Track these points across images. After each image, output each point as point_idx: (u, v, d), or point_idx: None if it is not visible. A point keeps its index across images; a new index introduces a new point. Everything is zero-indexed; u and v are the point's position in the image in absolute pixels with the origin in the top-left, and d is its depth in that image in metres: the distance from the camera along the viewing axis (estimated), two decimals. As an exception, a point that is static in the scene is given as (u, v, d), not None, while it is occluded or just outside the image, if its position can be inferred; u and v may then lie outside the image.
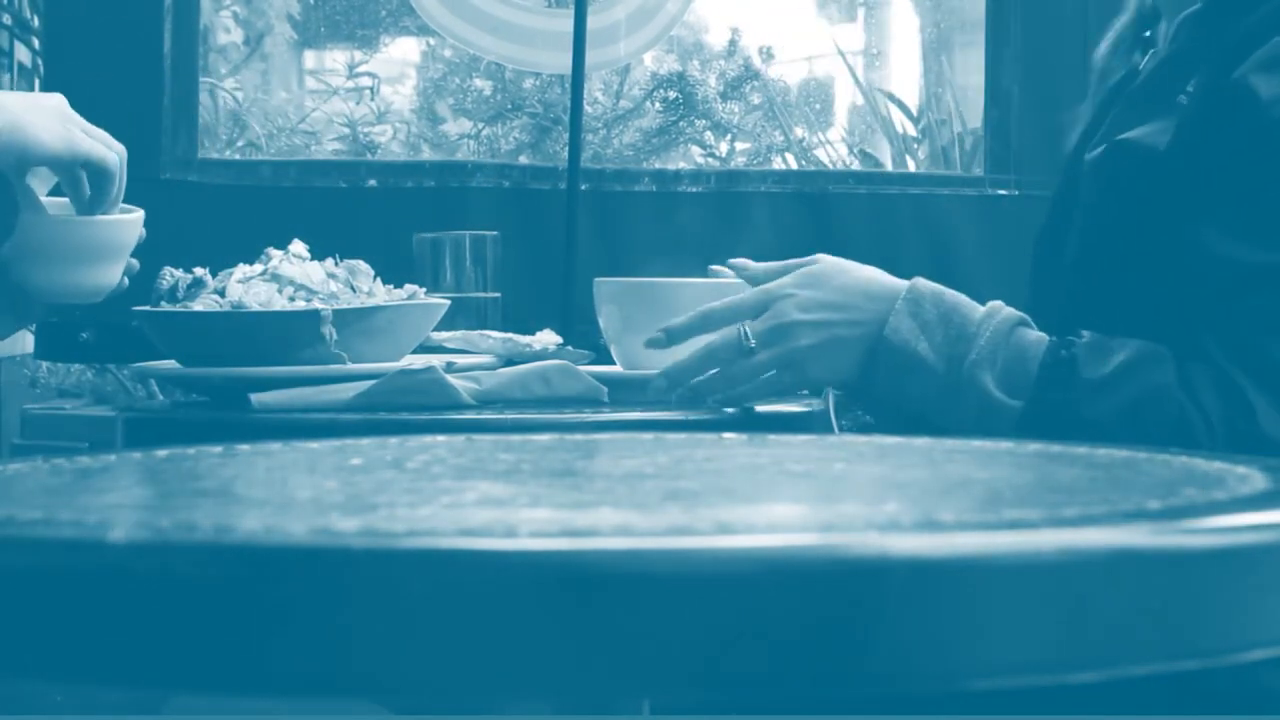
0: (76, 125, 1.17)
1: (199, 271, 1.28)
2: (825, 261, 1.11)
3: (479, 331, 1.37)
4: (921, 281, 1.09)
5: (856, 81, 3.21)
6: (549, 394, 1.23)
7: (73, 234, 1.18)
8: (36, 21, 2.59)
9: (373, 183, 2.12)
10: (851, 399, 1.19)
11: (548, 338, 1.35)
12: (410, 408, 1.15)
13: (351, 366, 1.19)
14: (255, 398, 1.16)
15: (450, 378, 1.17)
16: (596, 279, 1.41)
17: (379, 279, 1.32)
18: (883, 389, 1.08)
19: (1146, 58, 1.17)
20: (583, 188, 2.07)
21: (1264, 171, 0.99)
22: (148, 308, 1.27)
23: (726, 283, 1.22)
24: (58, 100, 1.19)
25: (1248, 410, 0.99)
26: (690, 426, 1.11)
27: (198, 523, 0.48)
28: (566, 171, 1.87)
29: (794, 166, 2.97)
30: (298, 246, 1.31)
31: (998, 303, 1.08)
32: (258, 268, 1.27)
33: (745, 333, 1.11)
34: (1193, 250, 1.01)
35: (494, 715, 0.47)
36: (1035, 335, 1.06)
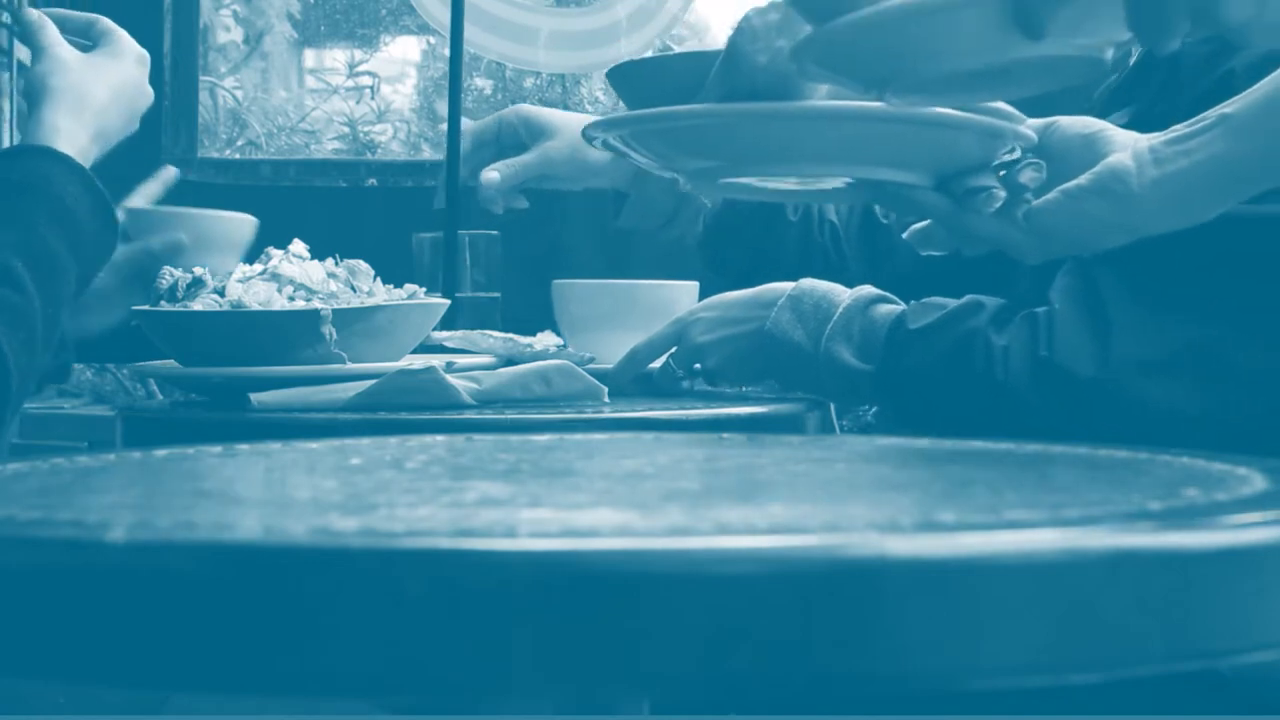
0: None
1: (198, 271, 1.28)
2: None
3: (479, 331, 1.37)
4: (809, 281, 1.17)
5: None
6: (549, 394, 1.23)
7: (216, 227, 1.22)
8: (36, 20, 2.58)
9: (373, 182, 2.13)
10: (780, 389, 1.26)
11: (548, 339, 1.36)
12: (410, 408, 1.15)
13: (351, 366, 1.19)
14: (255, 397, 1.16)
15: (450, 378, 1.17)
16: (554, 281, 1.45)
17: (379, 279, 1.32)
18: (779, 378, 1.20)
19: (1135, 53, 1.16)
20: (582, 187, 2.07)
21: None
22: (147, 307, 1.27)
23: (674, 285, 1.28)
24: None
25: (1051, 342, 1.03)
26: (691, 427, 1.11)
27: (197, 523, 0.48)
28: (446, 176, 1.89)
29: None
30: (297, 246, 1.31)
31: (865, 286, 1.16)
32: (257, 267, 1.27)
33: (669, 364, 1.25)
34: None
35: (494, 715, 0.47)
36: (889, 307, 1.14)
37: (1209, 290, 1.01)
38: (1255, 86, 0.85)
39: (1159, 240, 0.91)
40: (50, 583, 0.43)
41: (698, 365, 1.25)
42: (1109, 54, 0.79)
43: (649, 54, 2.78)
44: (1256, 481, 0.56)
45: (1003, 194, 0.92)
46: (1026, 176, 0.92)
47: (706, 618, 0.40)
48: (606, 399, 1.22)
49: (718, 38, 3.20)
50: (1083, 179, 0.90)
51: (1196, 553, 0.45)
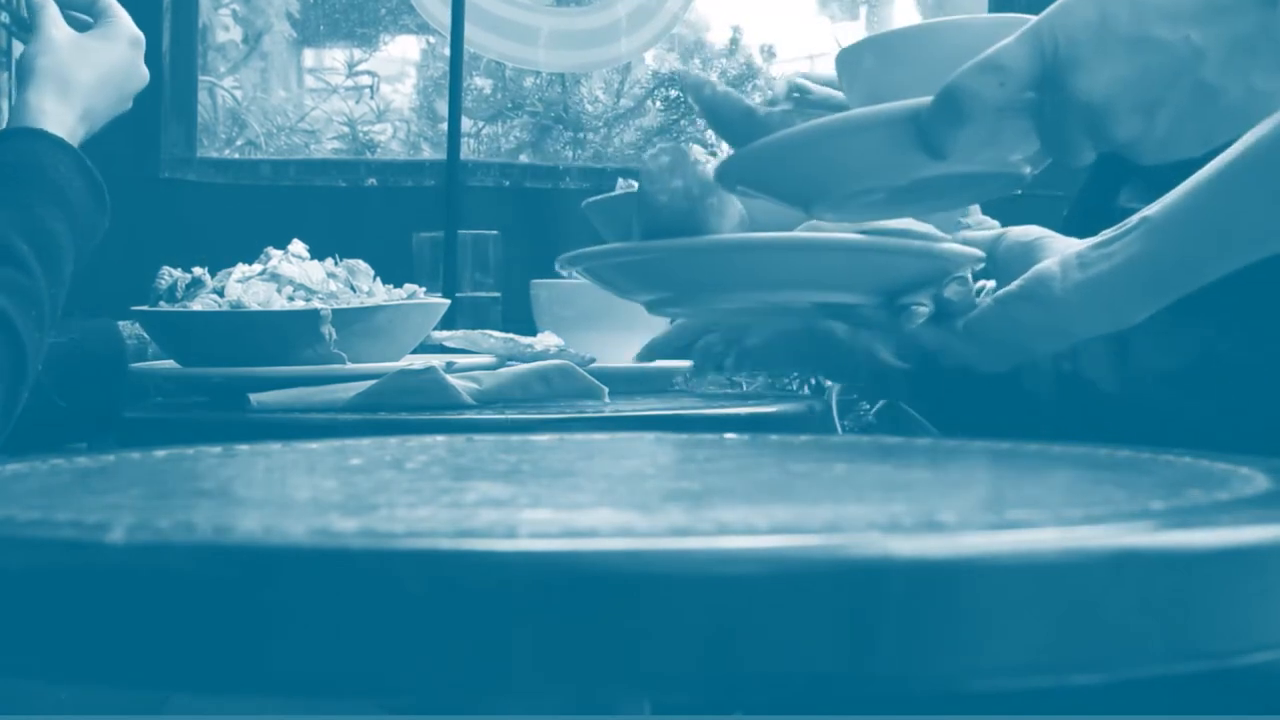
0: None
1: (197, 271, 1.28)
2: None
3: (479, 331, 1.37)
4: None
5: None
6: (549, 394, 1.23)
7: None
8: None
9: (372, 182, 2.13)
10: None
11: (548, 339, 1.36)
12: (410, 408, 1.15)
13: (351, 366, 1.19)
14: (254, 397, 1.16)
15: (450, 378, 1.17)
16: (533, 281, 1.46)
17: (379, 279, 1.32)
18: (816, 365, 1.19)
19: None
20: (584, 187, 2.07)
21: None
22: (146, 307, 1.27)
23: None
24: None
25: (1073, 355, 1.03)
26: (691, 427, 1.11)
27: (197, 523, 0.48)
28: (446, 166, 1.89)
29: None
30: (297, 246, 1.31)
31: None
32: (256, 267, 1.27)
33: (709, 342, 1.19)
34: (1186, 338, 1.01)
35: (494, 715, 0.47)
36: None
37: (1226, 299, 1.01)
38: (1177, 189, 0.85)
39: None
40: (50, 583, 0.43)
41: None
42: (1026, 169, 0.81)
43: (650, 53, 2.78)
44: (1259, 481, 0.56)
45: (925, 309, 0.91)
46: (950, 291, 0.91)
47: (707, 618, 0.40)
48: (607, 399, 1.22)
49: (718, 37, 3.21)
50: (1013, 285, 0.89)
51: (1199, 553, 0.45)
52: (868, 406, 1.45)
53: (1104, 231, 0.88)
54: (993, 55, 0.73)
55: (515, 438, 0.78)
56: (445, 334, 1.37)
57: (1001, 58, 0.72)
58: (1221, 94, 0.70)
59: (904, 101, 0.76)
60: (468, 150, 2.76)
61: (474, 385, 1.21)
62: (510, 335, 1.36)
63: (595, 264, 0.97)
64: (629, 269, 0.97)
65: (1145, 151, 0.73)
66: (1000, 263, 0.97)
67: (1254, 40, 0.68)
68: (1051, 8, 0.72)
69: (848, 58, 0.94)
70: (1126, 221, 0.87)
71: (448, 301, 1.34)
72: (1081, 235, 0.95)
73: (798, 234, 0.92)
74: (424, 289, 1.35)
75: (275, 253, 1.29)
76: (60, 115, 1.11)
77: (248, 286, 1.24)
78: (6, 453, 0.89)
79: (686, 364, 1.34)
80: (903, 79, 0.76)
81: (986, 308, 0.91)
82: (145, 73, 1.21)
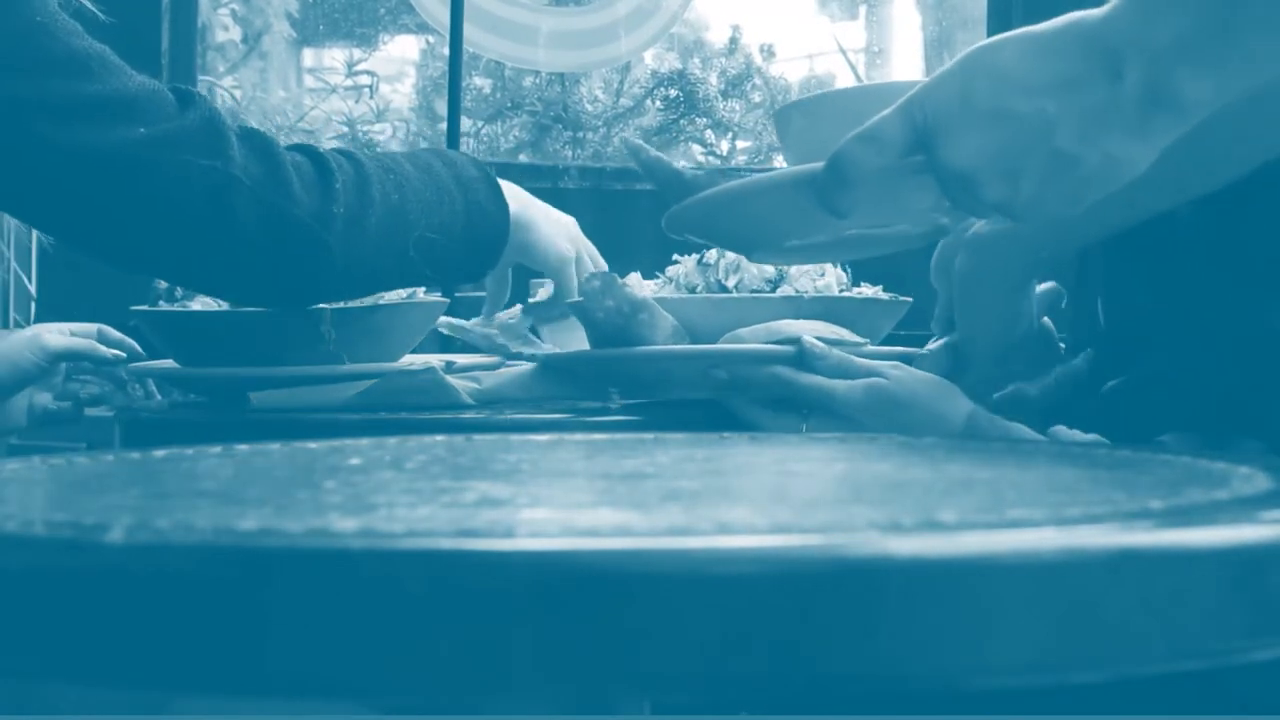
0: (584, 249, 1.31)
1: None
2: (895, 385, 1.11)
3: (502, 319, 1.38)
4: (980, 413, 1.12)
5: (858, 79, 3.21)
6: (549, 394, 1.23)
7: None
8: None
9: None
10: None
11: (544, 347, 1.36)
12: (410, 407, 1.15)
13: (350, 366, 1.19)
14: (254, 397, 1.16)
15: (450, 378, 1.17)
16: (532, 281, 1.47)
17: (378, 278, 1.32)
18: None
19: None
20: (584, 186, 2.07)
21: None
22: (145, 307, 1.27)
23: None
24: (570, 221, 1.31)
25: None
26: (692, 426, 1.11)
27: (196, 523, 0.48)
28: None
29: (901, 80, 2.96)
30: (297, 246, 1.30)
31: (1061, 428, 1.09)
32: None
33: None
34: (1234, 317, 1.01)
35: (494, 715, 0.47)
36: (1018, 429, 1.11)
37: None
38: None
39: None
40: (49, 583, 0.43)
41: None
42: (943, 220, 0.86)
43: (649, 52, 2.78)
44: (1259, 480, 0.56)
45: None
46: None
47: (707, 618, 0.40)
48: (618, 401, 1.22)
49: (718, 36, 3.21)
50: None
51: (1199, 552, 0.45)
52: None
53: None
54: (871, 126, 0.78)
55: (515, 438, 0.78)
56: (471, 322, 1.37)
57: (878, 128, 0.78)
58: (1078, 161, 0.74)
59: (808, 165, 0.81)
60: (467, 150, 2.77)
61: (474, 385, 1.21)
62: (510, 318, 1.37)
63: (553, 361, 1.23)
64: (577, 370, 1.21)
65: (1015, 214, 0.78)
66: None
67: (1104, 111, 0.72)
68: (923, 83, 0.77)
69: (781, 118, 1.04)
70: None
71: (447, 301, 1.33)
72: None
73: (689, 347, 1.16)
74: (424, 289, 1.35)
75: (275, 253, 1.29)
76: None
77: (247, 286, 1.24)
78: (5, 453, 0.90)
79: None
80: (828, 139, 0.80)
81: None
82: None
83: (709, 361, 1.13)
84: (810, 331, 1.14)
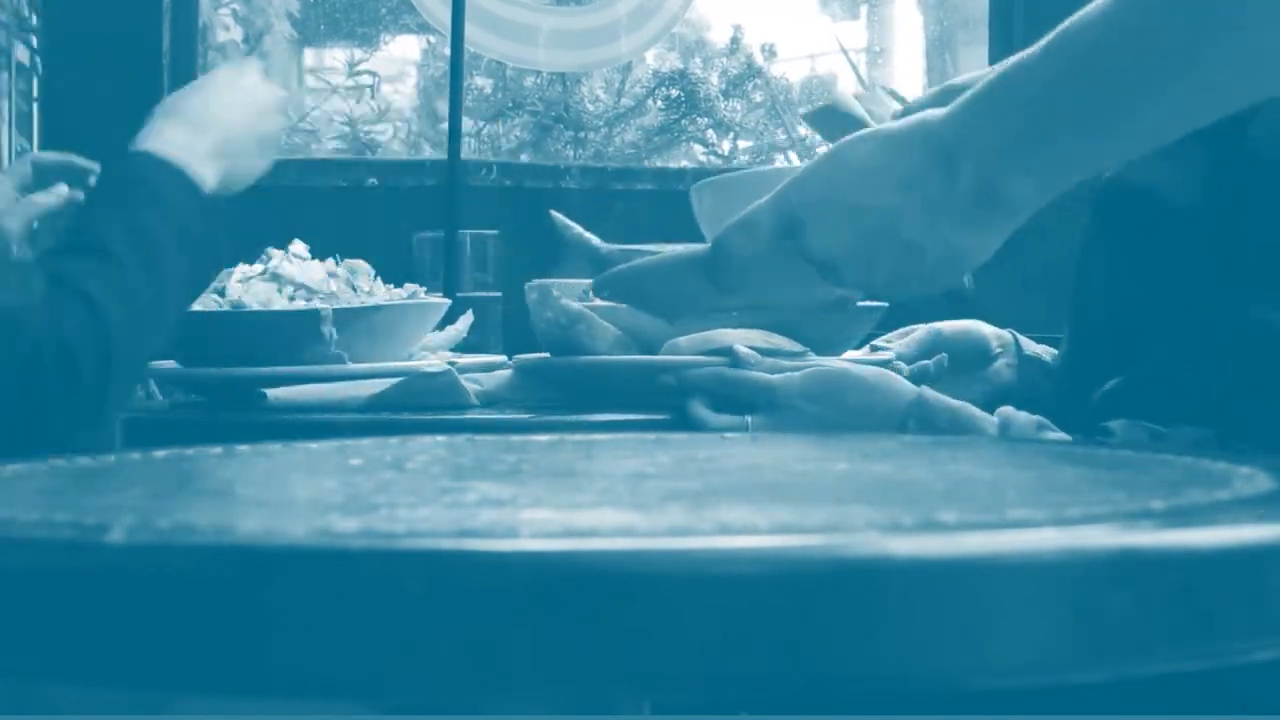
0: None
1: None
2: (832, 369, 1.15)
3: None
4: (928, 392, 1.14)
5: (860, 79, 3.21)
6: (531, 395, 1.23)
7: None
8: (35, 20, 2.59)
9: (373, 181, 2.12)
10: None
11: None
12: (422, 408, 1.15)
13: (352, 366, 1.19)
14: (271, 393, 1.16)
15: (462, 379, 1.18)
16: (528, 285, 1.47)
17: (379, 279, 1.32)
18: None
19: None
20: (584, 186, 2.07)
21: None
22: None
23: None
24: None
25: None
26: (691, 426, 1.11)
27: (197, 523, 0.48)
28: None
29: (797, 165, 2.96)
30: (297, 246, 1.31)
31: (1008, 409, 1.12)
32: (257, 267, 1.27)
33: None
34: (1229, 312, 1.01)
35: (494, 716, 0.47)
36: (1057, 437, 1.09)
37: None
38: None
39: None
40: (50, 584, 0.43)
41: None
42: (837, 292, 0.90)
43: (650, 52, 2.78)
44: (1259, 480, 0.56)
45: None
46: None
47: (707, 618, 0.40)
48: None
49: (719, 36, 3.20)
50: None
51: (1199, 552, 0.45)
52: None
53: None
54: (748, 214, 0.85)
55: (515, 438, 0.78)
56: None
57: (753, 217, 0.85)
58: (925, 251, 0.80)
59: (701, 246, 0.89)
60: (468, 150, 2.77)
61: (477, 386, 1.21)
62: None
63: (524, 366, 1.30)
64: (531, 376, 1.28)
65: (875, 295, 0.87)
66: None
67: (943, 207, 0.79)
68: (792, 176, 0.84)
69: (695, 195, 1.17)
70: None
71: (448, 301, 1.34)
72: (1114, 218, 0.99)
73: (630, 358, 1.22)
74: (424, 289, 1.35)
75: (276, 253, 1.29)
76: (187, 143, 1.11)
77: (249, 286, 1.24)
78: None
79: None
80: (734, 215, 0.87)
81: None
82: (274, 91, 1.21)
83: (652, 370, 1.17)
84: (745, 340, 1.17)
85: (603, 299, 1.04)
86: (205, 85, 1.18)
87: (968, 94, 0.78)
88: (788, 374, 1.12)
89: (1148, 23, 0.72)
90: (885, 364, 1.22)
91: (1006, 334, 1.34)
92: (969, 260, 0.81)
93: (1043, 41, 0.75)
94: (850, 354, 1.28)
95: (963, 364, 1.29)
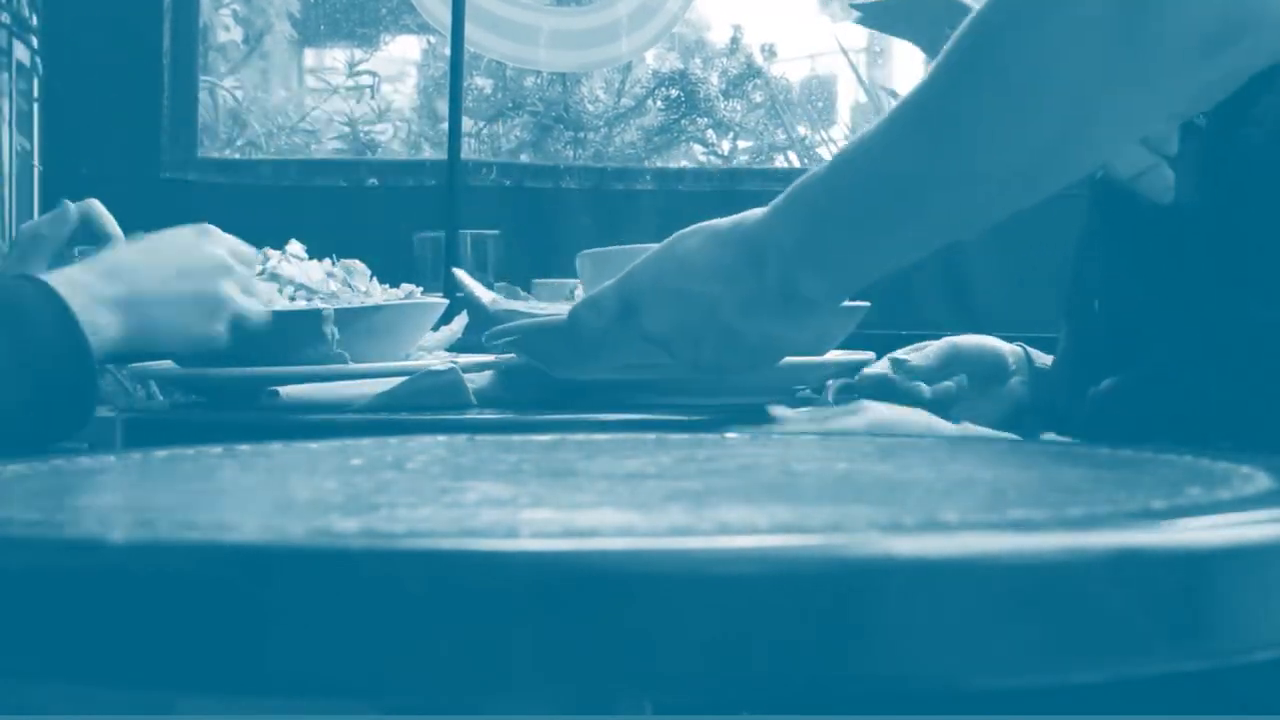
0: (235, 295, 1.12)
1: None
2: (878, 412, 1.16)
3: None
4: (969, 427, 1.16)
5: (859, 79, 3.21)
6: (517, 395, 1.23)
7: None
8: (35, 20, 2.59)
9: (373, 181, 2.12)
10: None
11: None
12: (425, 408, 1.15)
13: (354, 365, 1.19)
14: (282, 392, 1.16)
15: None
16: (535, 281, 1.49)
17: (375, 279, 1.32)
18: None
19: None
20: (584, 186, 2.07)
21: None
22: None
23: None
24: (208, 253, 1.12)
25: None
26: (692, 427, 1.11)
27: (197, 523, 0.48)
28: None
29: (797, 165, 2.97)
30: (295, 247, 1.31)
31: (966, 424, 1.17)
32: (256, 268, 1.27)
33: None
34: (1227, 312, 1.01)
35: (494, 716, 0.47)
36: None
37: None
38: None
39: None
40: (50, 583, 0.43)
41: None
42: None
43: (650, 52, 2.78)
44: (1260, 480, 0.56)
45: None
46: None
47: (708, 618, 0.40)
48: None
49: (719, 36, 3.20)
50: None
51: (1199, 552, 0.45)
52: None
53: None
54: (596, 293, 0.93)
55: (516, 438, 0.78)
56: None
57: (599, 296, 0.93)
58: (743, 336, 0.88)
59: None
60: (468, 150, 2.76)
61: (472, 385, 1.21)
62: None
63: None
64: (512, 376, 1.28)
65: (704, 373, 0.93)
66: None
67: (755, 299, 0.86)
68: (632, 265, 0.92)
69: (579, 263, 1.26)
70: None
71: (446, 301, 1.33)
72: (1112, 217, 1.00)
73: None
74: (421, 289, 1.35)
75: (274, 253, 1.29)
76: (86, 284, 1.02)
77: (249, 287, 1.24)
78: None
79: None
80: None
81: None
82: (213, 252, 1.12)
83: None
84: None
85: (493, 351, 1.13)
86: (141, 241, 1.12)
87: (781, 196, 0.86)
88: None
89: (893, 150, 0.81)
90: (913, 397, 1.21)
91: (1019, 349, 1.33)
92: (785, 347, 0.90)
93: (834, 154, 0.85)
94: (872, 368, 1.27)
95: (980, 381, 1.29)
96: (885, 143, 0.82)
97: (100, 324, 1.01)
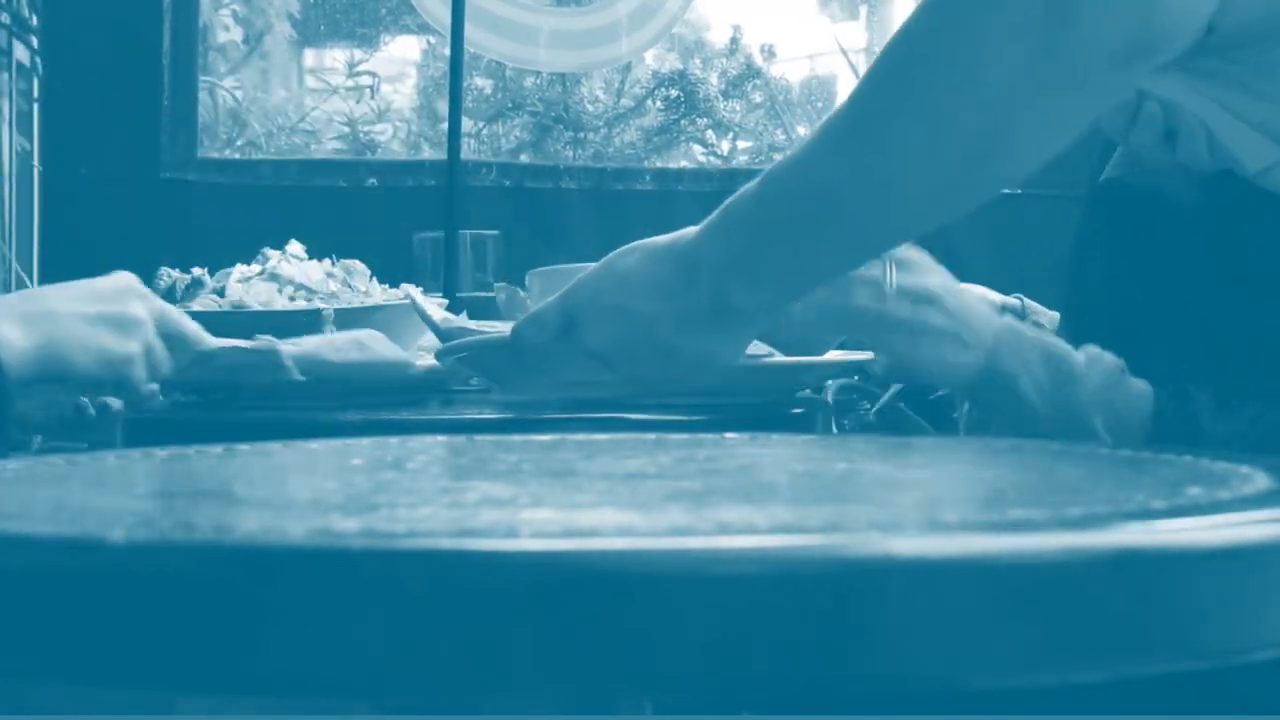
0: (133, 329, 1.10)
1: (196, 271, 1.28)
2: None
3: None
4: (1018, 323, 1.10)
5: (859, 79, 3.20)
6: (361, 359, 1.21)
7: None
8: (35, 20, 2.59)
9: (373, 182, 2.13)
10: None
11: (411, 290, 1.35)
12: (239, 384, 1.16)
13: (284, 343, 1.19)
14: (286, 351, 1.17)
15: (282, 345, 1.17)
16: (529, 272, 1.47)
17: (374, 279, 1.32)
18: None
19: None
20: (584, 186, 2.07)
21: None
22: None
23: None
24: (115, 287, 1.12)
25: None
26: (692, 427, 1.11)
27: (197, 523, 0.48)
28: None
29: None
30: (294, 247, 1.31)
31: (1093, 348, 1.05)
32: (256, 268, 1.27)
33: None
34: (1228, 312, 1.01)
35: (494, 716, 0.47)
36: (1140, 384, 1.04)
37: None
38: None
39: None
40: (50, 583, 0.43)
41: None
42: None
43: (650, 53, 2.78)
44: (1259, 480, 0.56)
45: None
46: None
47: (708, 618, 0.40)
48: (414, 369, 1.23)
49: (718, 36, 3.20)
50: None
51: (1199, 552, 0.45)
52: (868, 406, 1.45)
53: None
54: (538, 310, 0.95)
55: (516, 438, 0.78)
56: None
57: (541, 313, 0.94)
58: (679, 351, 0.89)
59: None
60: (468, 150, 2.76)
61: (295, 350, 1.18)
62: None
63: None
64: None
65: (645, 387, 0.96)
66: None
67: (688, 314, 0.88)
68: (578, 278, 0.94)
69: (529, 280, 1.29)
70: None
71: (446, 301, 1.34)
72: (1112, 217, 1.00)
73: None
74: (421, 289, 1.35)
75: (273, 253, 1.29)
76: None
77: (249, 287, 1.24)
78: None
79: None
80: None
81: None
82: (123, 275, 1.13)
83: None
84: None
85: (444, 366, 1.16)
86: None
87: (715, 211, 0.87)
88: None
89: (819, 162, 0.82)
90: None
91: (1014, 300, 1.32)
92: (719, 360, 0.91)
93: (765, 170, 0.85)
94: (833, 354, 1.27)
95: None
96: (813, 156, 0.83)
97: (9, 337, 1.02)
